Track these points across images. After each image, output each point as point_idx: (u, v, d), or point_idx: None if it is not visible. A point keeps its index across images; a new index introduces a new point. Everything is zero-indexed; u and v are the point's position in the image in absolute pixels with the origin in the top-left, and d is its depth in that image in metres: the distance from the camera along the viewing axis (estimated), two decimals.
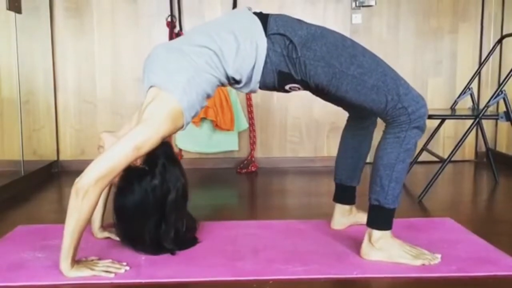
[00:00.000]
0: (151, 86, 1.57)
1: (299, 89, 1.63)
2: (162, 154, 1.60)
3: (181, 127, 1.55)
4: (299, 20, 1.62)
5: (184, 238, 1.70)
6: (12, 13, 2.82)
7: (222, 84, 1.64)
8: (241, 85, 1.63)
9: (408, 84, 1.58)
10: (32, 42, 3.16)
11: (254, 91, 1.66)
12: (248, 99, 3.34)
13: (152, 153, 1.53)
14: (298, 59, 1.54)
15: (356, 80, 1.54)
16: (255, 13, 1.61)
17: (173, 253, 1.65)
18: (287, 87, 1.62)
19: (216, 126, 3.20)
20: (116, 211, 1.64)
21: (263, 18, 1.59)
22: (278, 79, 1.59)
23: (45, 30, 3.22)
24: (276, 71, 1.57)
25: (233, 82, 1.63)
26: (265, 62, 1.55)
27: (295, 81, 1.59)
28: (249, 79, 1.60)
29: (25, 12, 2.92)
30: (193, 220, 1.80)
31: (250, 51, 1.54)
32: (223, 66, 1.56)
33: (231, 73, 1.57)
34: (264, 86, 1.64)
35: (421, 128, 1.57)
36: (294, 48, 1.54)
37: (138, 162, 1.57)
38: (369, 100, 1.56)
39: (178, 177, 1.63)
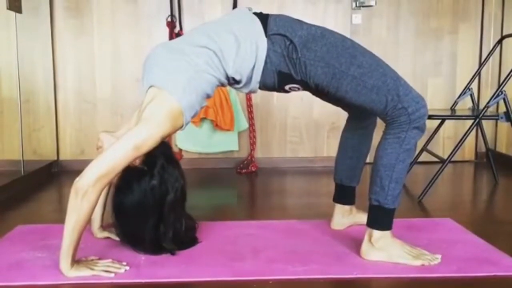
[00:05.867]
0: (150, 86, 1.57)
1: (298, 89, 1.63)
2: (161, 155, 1.60)
3: (181, 127, 1.55)
4: (299, 21, 1.62)
5: (183, 238, 1.70)
6: (12, 13, 2.82)
7: (222, 85, 1.64)
8: (241, 85, 1.63)
9: (408, 85, 1.58)
10: (32, 41, 3.16)
11: (254, 92, 1.67)
12: (248, 99, 3.34)
13: (151, 153, 1.53)
14: (298, 59, 1.54)
15: (356, 80, 1.54)
16: (255, 13, 1.61)
17: (172, 253, 1.65)
18: (287, 87, 1.62)
19: (216, 126, 3.20)
20: (114, 210, 1.64)
21: (263, 18, 1.59)
22: (278, 79, 1.59)
23: (45, 30, 3.22)
24: (276, 72, 1.57)
25: (233, 82, 1.63)
26: (265, 63, 1.55)
27: (295, 82, 1.59)
28: (249, 79, 1.60)
29: (25, 11, 2.92)
30: (193, 220, 1.80)
31: (250, 52, 1.54)
32: (223, 67, 1.56)
33: (231, 73, 1.57)
34: (264, 86, 1.64)
35: (421, 129, 1.57)
36: (294, 49, 1.54)
37: (137, 162, 1.58)
38: (369, 100, 1.56)
39: (177, 178, 1.63)
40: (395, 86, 1.54)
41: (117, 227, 1.69)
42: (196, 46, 1.56)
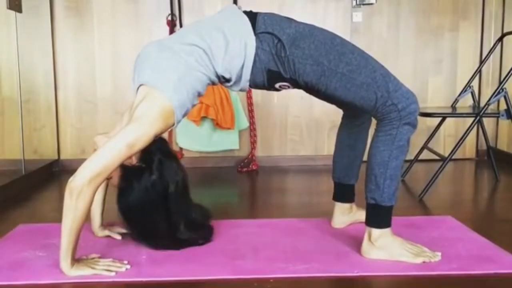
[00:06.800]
0: (141, 84, 1.57)
1: (289, 87, 1.63)
2: (158, 150, 1.61)
3: (172, 125, 1.55)
4: (288, 19, 1.62)
5: (200, 226, 1.71)
6: (12, 12, 2.82)
7: (213, 83, 1.64)
8: (231, 83, 1.64)
9: (398, 81, 1.57)
10: (33, 41, 3.16)
11: (244, 90, 1.67)
12: (249, 98, 3.34)
13: (147, 150, 1.53)
14: (286, 57, 1.54)
15: (345, 77, 1.53)
16: (245, 12, 1.62)
17: (198, 244, 1.69)
18: (277, 85, 1.62)
19: (217, 125, 3.20)
20: (121, 213, 1.64)
21: (252, 17, 1.59)
22: (267, 78, 1.59)
23: (45, 29, 3.22)
24: (265, 70, 1.57)
25: (223, 80, 1.64)
26: (254, 61, 1.56)
27: (284, 80, 1.59)
28: (239, 77, 1.60)
29: (25, 11, 2.92)
30: (205, 208, 1.81)
31: (239, 50, 1.55)
32: (213, 64, 1.57)
33: (221, 71, 1.58)
34: (254, 84, 1.64)
35: (413, 124, 1.57)
36: (282, 47, 1.54)
37: (134, 161, 1.58)
38: (358, 97, 1.56)
39: (176, 170, 1.64)
40: (385, 83, 1.54)
41: (129, 229, 1.70)
42: (186, 44, 1.57)
